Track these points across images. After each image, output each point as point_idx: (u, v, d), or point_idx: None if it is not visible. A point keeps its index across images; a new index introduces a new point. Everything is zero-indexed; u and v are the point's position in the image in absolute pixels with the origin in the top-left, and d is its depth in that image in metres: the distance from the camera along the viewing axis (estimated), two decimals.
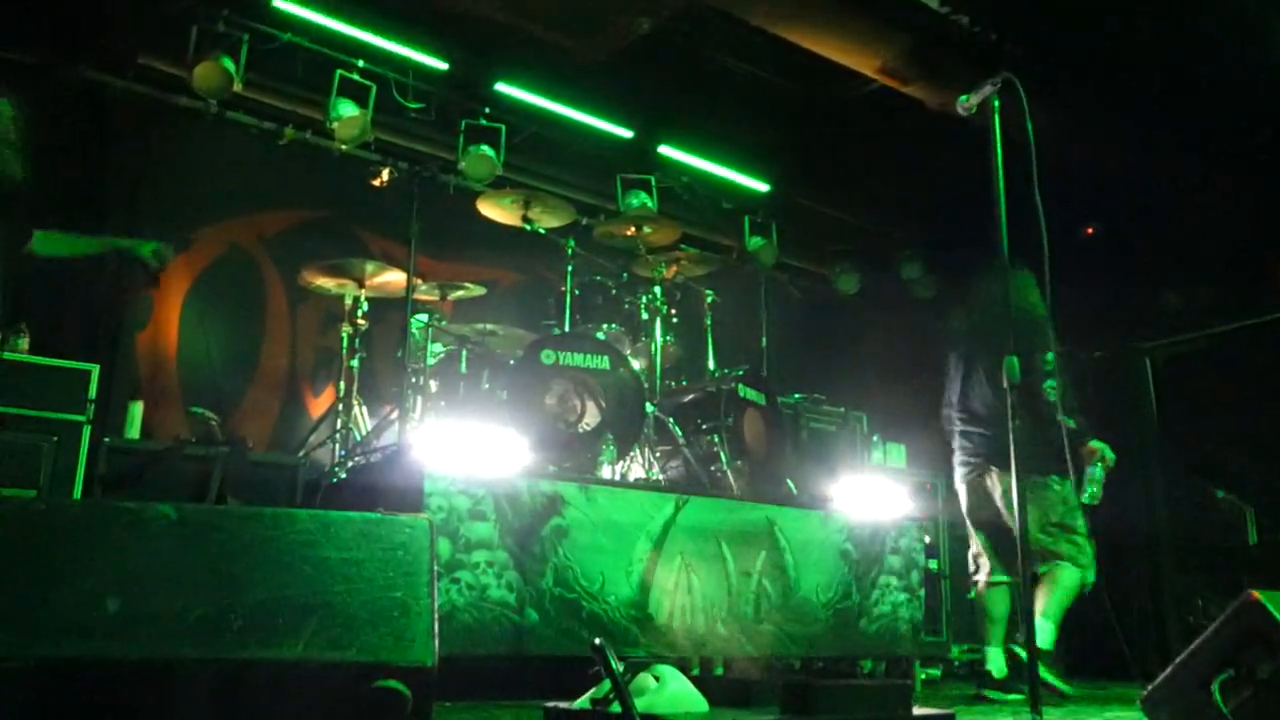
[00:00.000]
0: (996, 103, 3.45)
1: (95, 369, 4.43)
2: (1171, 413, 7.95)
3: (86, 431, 4.31)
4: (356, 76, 6.26)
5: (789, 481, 5.37)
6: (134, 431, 4.88)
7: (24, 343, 4.53)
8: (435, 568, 1.44)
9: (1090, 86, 7.07)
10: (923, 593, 5.15)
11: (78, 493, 4.20)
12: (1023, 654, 3.29)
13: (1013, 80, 3.41)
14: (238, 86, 5.89)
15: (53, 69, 5.72)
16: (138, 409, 4.94)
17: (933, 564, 6.30)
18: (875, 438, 6.78)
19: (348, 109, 6.17)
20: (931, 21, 6.37)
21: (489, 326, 5.35)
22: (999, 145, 3.39)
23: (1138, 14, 6.32)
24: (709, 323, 5.85)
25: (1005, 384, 3.22)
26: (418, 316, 5.17)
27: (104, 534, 1.23)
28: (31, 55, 5.65)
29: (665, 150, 7.60)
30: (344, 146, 6.30)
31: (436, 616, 1.49)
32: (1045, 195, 3.36)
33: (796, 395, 6.51)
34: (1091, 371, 7.80)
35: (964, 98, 3.53)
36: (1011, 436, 3.16)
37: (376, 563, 1.35)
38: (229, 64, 5.79)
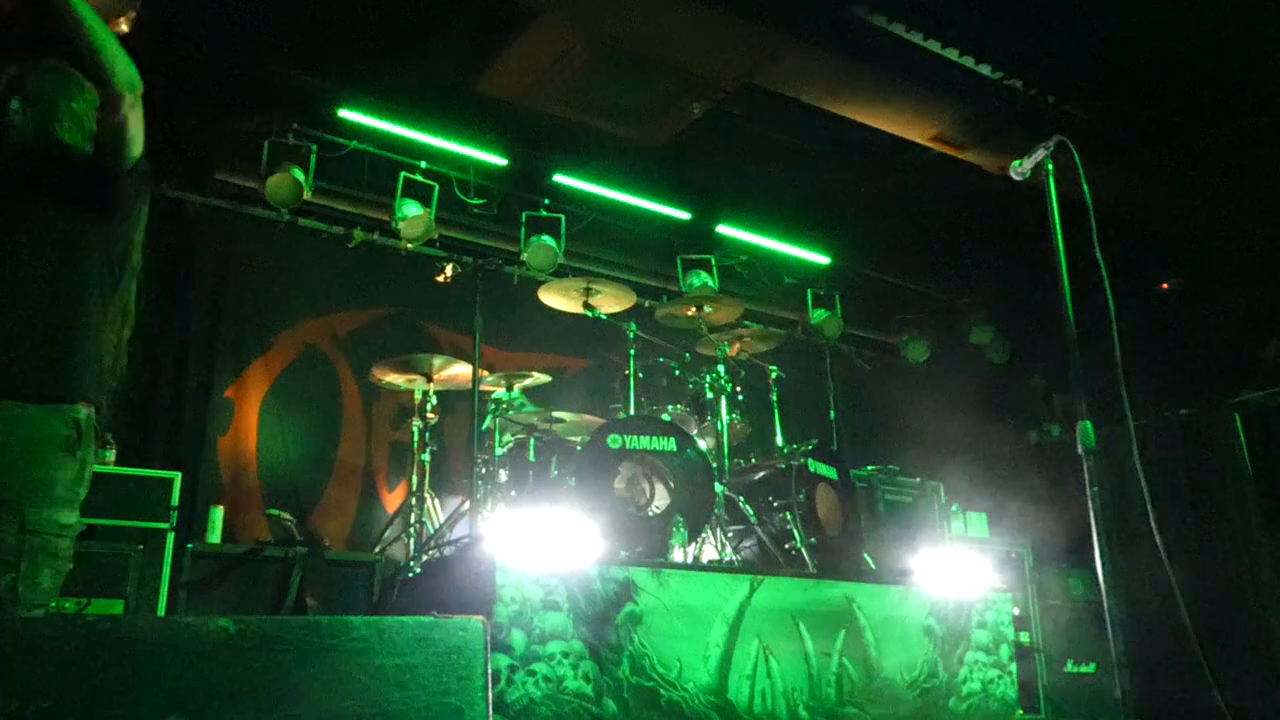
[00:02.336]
0: (1050, 166, 3.42)
1: (178, 476, 4.56)
2: (1266, 469, 7.63)
3: (171, 538, 4.42)
4: (419, 177, 6.47)
5: (866, 557, 5.26)
6: (216, 536, 4.98)
7: (111, 455, 4.69)
8: (490, 669, 1.44)
9: (1157, 141, 6.98)
10: (1014, 668, 4.95)
11: (163, 600, 4.29)
12: None
13: (1065, 142, 3.38)
14: (307, 194, 6.14)
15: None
16: (219, 513, 5.06)
17: (1024, 637, 6.07)
18: (955, 507, 6.62)
19: (412, 209, 6.38)
20: (985, 88, 6.38)
21: (556, 413, 5.39)
22: (1055, 208, 3.35)
23: (1201, 66, 6.25)
24: (775, 398, 5.82)
25: (1080, 450, 3.13)
26: (499, 397, 5.20)
27: (164, 651, 1.25)
28: None
29: (724, 229, 7.69)
30: (410, 245, 6.48)
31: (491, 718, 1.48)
32: (1121, 255, 3.30)
33: (870, 467, 6.40)
34: (1180, 431, 7.55)
35: (1017, 163, 3.51)
36: (1090, 506, 3.06)
37: (431, 668, 1.35)
38: (299, 174, 6.05)
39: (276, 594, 4.37)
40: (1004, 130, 6.83)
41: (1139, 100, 6.58)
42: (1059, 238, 3.32)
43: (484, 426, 5.30)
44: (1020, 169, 3.49)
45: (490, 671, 1.43)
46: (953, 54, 6.05)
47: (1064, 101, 6.49)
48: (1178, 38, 6.01)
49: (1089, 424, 3.15)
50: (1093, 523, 3.08)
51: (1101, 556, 3.03)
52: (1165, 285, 8.30)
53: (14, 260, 2.45)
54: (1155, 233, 7.62)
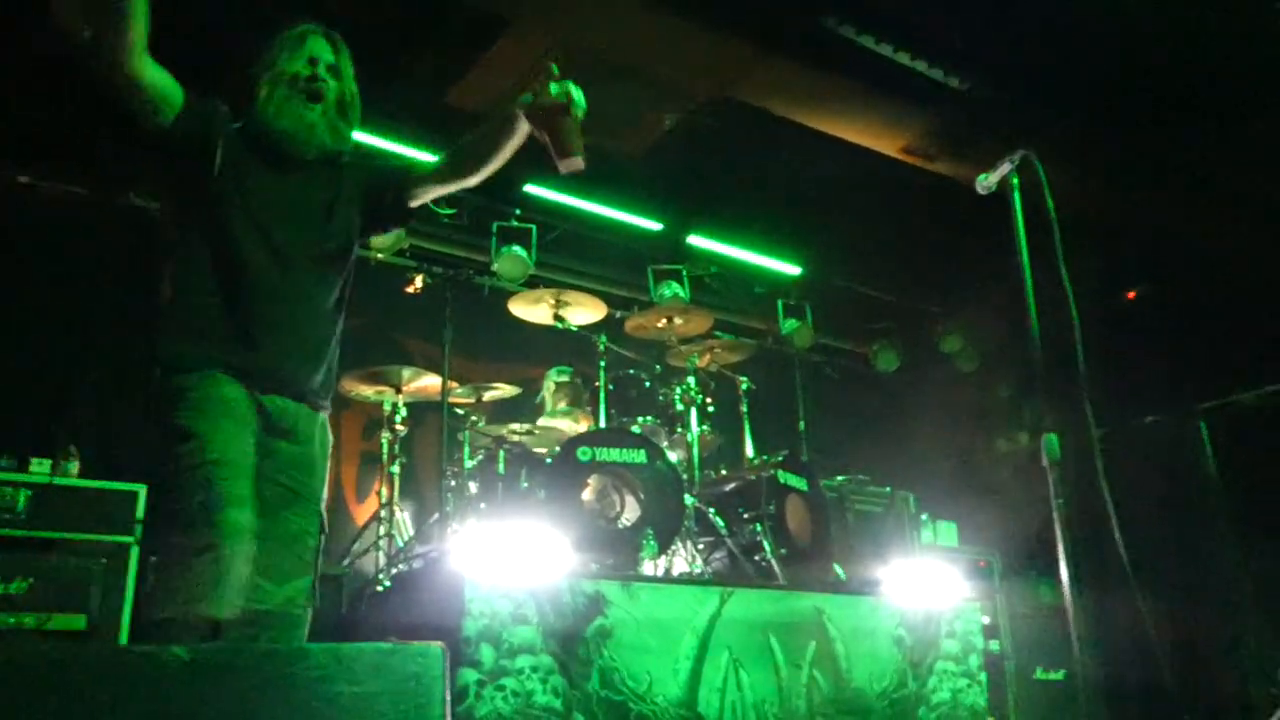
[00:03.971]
0: (1016, 180, 3.44)
1: (143, 489, 4.49)
2: (1232, 475, 7.72)
3: (135, 552, 4.36)
4: None
5: (837, 567, 5.28)
6: None
7: (75, 466, 4.63)
8: (449, 696, 1.43)
9: (1125, 151, 7.06)
10: (984, 676, 4.98)
11: (127, 615, 4.23)
12: None
13: (1030, 156, 3.41)
14: None
15: (110, 199, 5.97)
16: None
17: (994, 645, 6.11)
18: (924, 517, 6.65)
19: None
20: (954, 99, 6.44)
21: (525, 426, 5.37)
22: (1020, 222, 3.38)
23: (1171, 78, 6.33)
24: (745, 410, 5.83)
25: (1045, 463, 3.15)
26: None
27: (114, 679, 1.23)
28: (86, 186, 5.91)
29: (695, 240, 7.70)
30: (379, 255, 6.45)
31: None
32: (1086, 266, 3.32)
33: (840, 478, 6.42)
34: (1148, 439, 7.63)
35: (982, 177, 3.53)
36: (1055, 517, 3.08)
37: (389, 695, 1.33)
38: None
39: None
40: (974, 141, 6.89)
41: (1106, 111, 6.65)
42: (1024, 251, 3.34)
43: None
44: (985, 183, 3.52)
45: (449, 698, 1.42)
46: (922, 65, 6.10)
47: (1033, 112, 6.55)
48: (1145, 49, 6.08)
49: (1054, 436, 3.17)
50: (1058, 534, 3.11)
51: (1067, 567, 3.06)
52: (1132, 294, 8.38)
53: None
54: (1124, 242, 7.69)
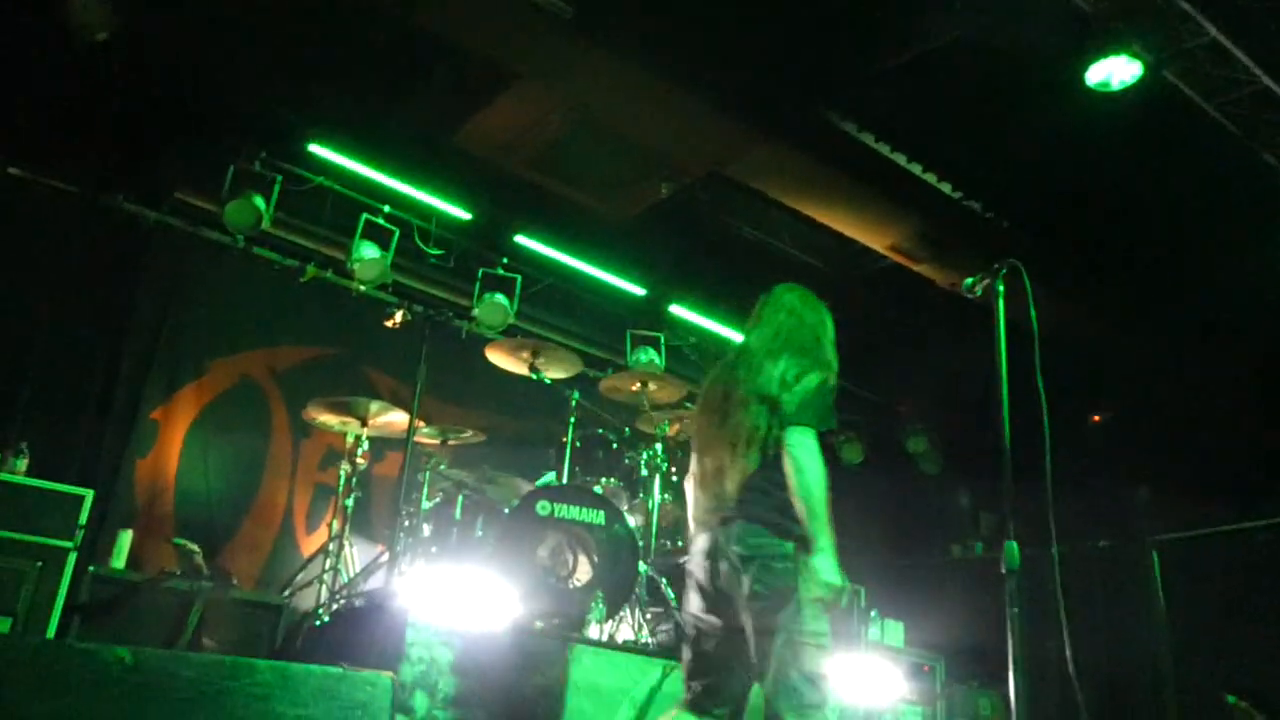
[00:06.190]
0: (1001, 288, 3.48)
1: (90, 494, 4.40)
2: (1179, 608, 7.76)
3: (73, 558, 4.24)
4: (382, 221, 6.44)
5: None
6: (120, 561, 4.80)
7: (23, 463, 4.52)
8: None
9: (1101, 280, 7.22)
10: None
11: (54, 622, 4.10)
12: None
13: (1018, 267, 3.45)
14: (266, 224, 6.07)
15: (95, 199, 5.93)
16: (127, 537, 4.88)
17: None
18: (873, 614, 6.61)
19: (370, 251, 6.33)
20: (944, 205, 6.57)
21: (489, 472, 5.32)
22: (1002, 330, 3.41)
23: (1151, 216, 6.50)
24: None
25: (1004, 569, 3.14)
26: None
27: (57, 677, 1.19)
28: (75, 184, 5.87)
29: (676, 309, 7.74)
30: (362, 287, 6.42)
31: None
32: (1054, 384, 3.35)
33: None
34: (1100, 562, 7.67)
35: (969, 281, 3.56)
36: (1009, 627, 3.07)
37: None
38: (260, 202, 5.98)
39: (173, 629, 4.20)
40: (958, 248, 7.02)
41: (1087, 236, 6.81)
42: (1003, 359, 3.36)
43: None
44: (971, 288, 3.56)
45: None
46: (917, 169, 6.23)
47: (1017, 228, 6.70)
48: (1131, 188, 6.26)
49: (1014, 544, 3.16)
50: (1009, 644, 3.09)
51: (1015, 674, 3.03)
52: (1097, 418, 8.49)
53: None
54: (1091, 365, 7.82)
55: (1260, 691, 6.60)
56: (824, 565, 2.94)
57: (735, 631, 3.00)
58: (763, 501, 3.03)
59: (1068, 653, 3.44)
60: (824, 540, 2.96)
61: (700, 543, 3.14)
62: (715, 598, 3.07)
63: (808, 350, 3.38)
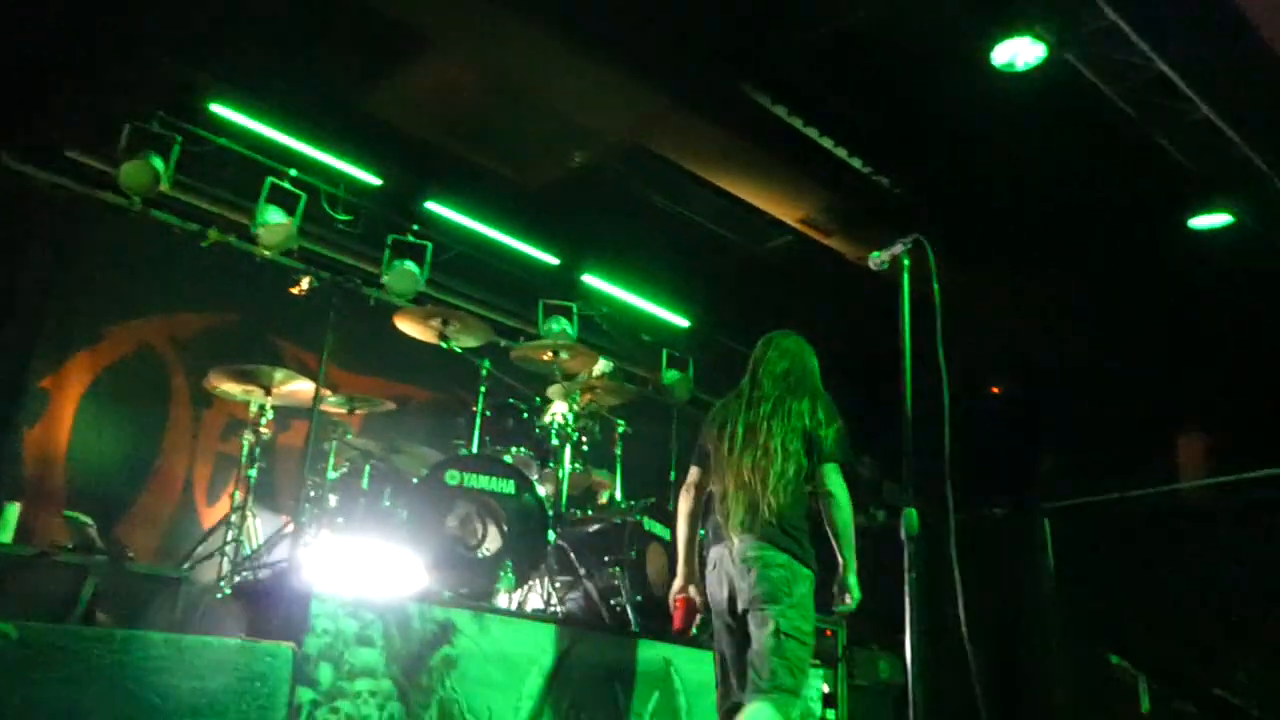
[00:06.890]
0: (906, 261, 3.56)
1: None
2: (1068, 574, 8.09)
3: None
4: (288, 185, 6.24)
5: None
6: (7, 535, 4.60)
7: None
8: (295, 701, 1.37)
9: (1005, 254, 7.42)
10: None
11: None
12: None
13: (922, 241, 3.54)
14: (165, 186, 5.82)
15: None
16: (14, 510, 4.68)
17: (830, 714, 6.21)
18: None
19: (275, 216, 6.13)
20: (854, 180, 6.67)
21: (396, 442, 5.26)
22: (906, 303, 3.50)
23: (1051, 193, 6.70)
24: (619, 453, 5.84)
25: (903, 535, 3.24)
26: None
27: None
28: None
29: (589, 279, 7.73)
30: (267, 252, 6.24)
31: None
32: (955, 355, 3.45)
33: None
34: (995, 530, 7.94)
35: (875, 254, 3.65)
36: (906, 591, 3.17)
37: (231, 694, 1.27)
38: (158, 163, 5.73)
39: (65, 604, 4.06)
40: (866, 223, 7.15)
41: (995, 214, 6.99)
42: (906, 332, 3.45)
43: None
44: (878, 260, 3.64)
45: (294, 704, 1.36)
46: (828, 143, 6.31)
47: (925, 203, 6.84)
48: (1035, 167, 6.44)
49: (913, 511, 3.26)
50: (907, 608, 3.19)
51: (912, 636, 3.14)
52: (996, 389, 8.76)
53: None
54: (993, 340, 8.05)
55: (1141, 652, 6.95)
56: (854, 583, 3.69)
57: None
58: (789, 519, 3.56)
59: (961, 615, 3.59)
60: (854, 562, 3.65)
61: (726, 550, 3.64)
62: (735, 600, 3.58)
63: (820, 393, 3.84)
